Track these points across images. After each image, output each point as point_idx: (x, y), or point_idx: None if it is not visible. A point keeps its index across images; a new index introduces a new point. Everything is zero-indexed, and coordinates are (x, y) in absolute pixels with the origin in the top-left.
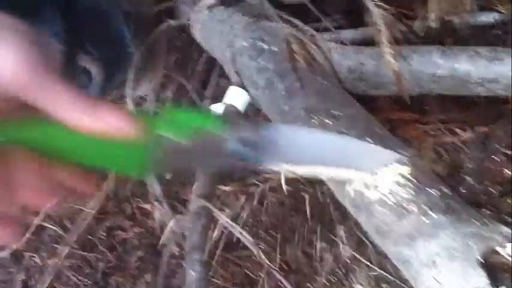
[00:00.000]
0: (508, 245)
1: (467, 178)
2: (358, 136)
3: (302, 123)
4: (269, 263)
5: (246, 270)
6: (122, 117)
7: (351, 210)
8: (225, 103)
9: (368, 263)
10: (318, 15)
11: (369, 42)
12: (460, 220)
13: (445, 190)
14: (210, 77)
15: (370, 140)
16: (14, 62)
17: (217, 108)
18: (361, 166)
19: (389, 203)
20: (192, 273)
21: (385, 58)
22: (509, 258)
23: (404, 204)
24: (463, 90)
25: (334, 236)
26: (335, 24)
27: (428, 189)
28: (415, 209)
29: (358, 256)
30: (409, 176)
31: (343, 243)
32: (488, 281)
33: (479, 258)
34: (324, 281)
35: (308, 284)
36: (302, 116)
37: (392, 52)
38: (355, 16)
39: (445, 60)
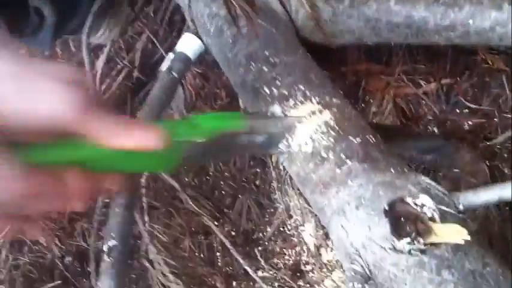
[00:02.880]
0: (422, 196)
1: (426, 129)
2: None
3: (242, 71)
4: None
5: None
6: (151, 134)
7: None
8: (176, 50)
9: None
10: None
11: None
12: (375, 169)
13: (369, 139)
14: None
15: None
16: (61, 101)
17: (170, 56)
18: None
19: (308, 150)
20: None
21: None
22: (417, 208)
23: (322, 152)
24: (420, 39)
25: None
26: None
27: (350, 138)
28: (332, 156)
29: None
30: (332, 124)
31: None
32: (390, 230)
33: (385, 207)
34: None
35: (260, 234)
36: (243, 63)
37: None
38: None
39: (401, 6)
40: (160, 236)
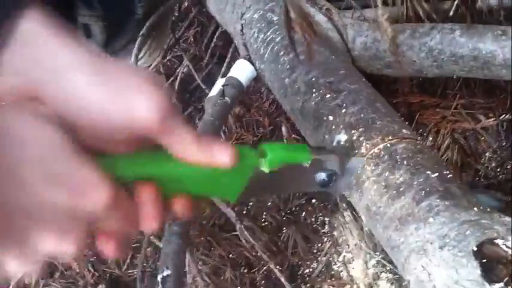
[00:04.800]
0: (510, 237)
1: (486, 167)
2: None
3: (302, 97)
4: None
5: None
6: (229, 153)
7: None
8: (229, 76)
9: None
10: None
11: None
12: (457, 206)
13: (447, 173)
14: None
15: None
16: (147, 109)
17: (221, 82)
18: None
19: (382, 183)
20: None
21: (382, 26)
22: (509, 251)
23: (397, 186)
24: (486, 73)
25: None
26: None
27: (428, 172)
28: (408, 191)
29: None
30: (405, 156)
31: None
32: (480, 274)
33: (474, 248)
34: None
35: (307, 270)
36: (302, 90)
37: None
38: None
39: (467, 38)
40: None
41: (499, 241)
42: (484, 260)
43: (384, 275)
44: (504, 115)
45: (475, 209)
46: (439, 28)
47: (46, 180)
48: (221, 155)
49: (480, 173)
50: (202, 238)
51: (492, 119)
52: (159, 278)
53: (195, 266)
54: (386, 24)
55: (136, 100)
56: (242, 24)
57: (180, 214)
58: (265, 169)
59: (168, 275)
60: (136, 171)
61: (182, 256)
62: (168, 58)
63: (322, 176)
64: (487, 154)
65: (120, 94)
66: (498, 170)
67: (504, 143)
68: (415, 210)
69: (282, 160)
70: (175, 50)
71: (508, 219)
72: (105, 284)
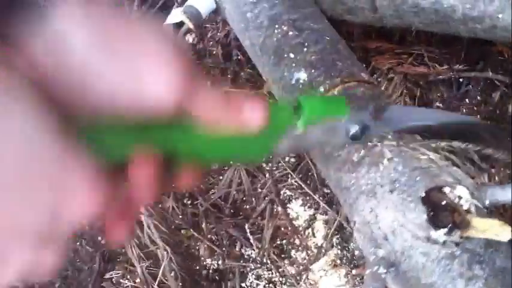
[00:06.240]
0: (459, 187)
1: None
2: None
3: (264, 32)
4: None
5: None
6: (262, 113)
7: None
8: (188, 5)
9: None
10: None
11: None
12: (411, 153)
13: None
14: None
15: None
16: (162, 88)
17: (179, 10)
18: None
19: None
20: None
21: None
22: (456, 200)
23: None
24: (443, 27)
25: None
26: None
27: None
28: None
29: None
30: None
31: None
32: (426, 219)
33: (422, 194)
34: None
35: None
36: (265, 25)
37: None
38: None
39: None
40: None
41: (446, 189)
42: (431, 207)
43: (320, 216)
44: (458, 65)
45: (426, 156)
46: None
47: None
48: (253, 116)
49: None
50: None
51: (446, 67)
52: None
53: None
54: None
55: (148, 75)
56: None
57: (185, 186)
58: (301, 128)
59: None
60: (138, 142)
61: None
62: None
63: (355, 128)
64: (436, 103)
65: (128, 63)
66: None
67: (455, 94)
68: (369, 154)
69: (320, 117)
70: None
71: (456, 169)
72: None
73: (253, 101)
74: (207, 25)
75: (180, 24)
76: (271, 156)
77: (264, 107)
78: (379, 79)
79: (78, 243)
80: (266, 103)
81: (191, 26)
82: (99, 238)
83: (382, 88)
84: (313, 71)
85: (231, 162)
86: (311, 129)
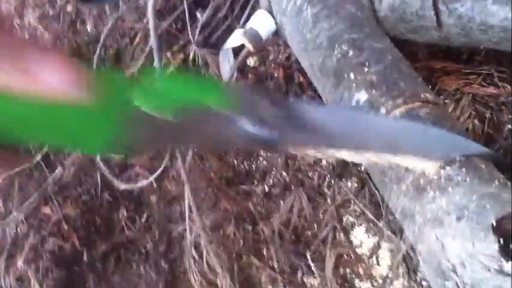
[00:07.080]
0: None
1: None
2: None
3: (323, 53)
4: None
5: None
6: (65, 74)
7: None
8: (248, 27)
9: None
10: None
11: None
12: (479, 178)
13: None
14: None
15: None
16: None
17: (239, 33)
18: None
19: None
20: None
21: None
22: None
23: None
24: None
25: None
26: None
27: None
28: None
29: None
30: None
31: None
32: (498, 249)
33: (493, 223)
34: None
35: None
36: (324, 46)
37: None
38: None
39: (499, 7)
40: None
41: None
42: (502, 236)
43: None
44: None
45: (496, 182)
46: None
47: None
48: (51, 80)
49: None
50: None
51: None
52: None
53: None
54: None
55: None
56: None
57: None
58: (160, 114)
59: None
60: None
61: None
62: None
63: (250, 128)
64: (508, 126)
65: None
66: None
67: None
68: (434, 179)
69: (184, 100)
70: None
71: None
72: None
73: (56, 60)
74: (269, 47)
75: (241, 47)
76: (128, 151)
77: (70, 69)
78: (445, 100)
79: (142, 268)
80: (75, 65)
81: (251, 48)
82: (163, 263)
83: (449, 110)
84: (374, 91)
85: (56, 145)
86: (178, 120)
